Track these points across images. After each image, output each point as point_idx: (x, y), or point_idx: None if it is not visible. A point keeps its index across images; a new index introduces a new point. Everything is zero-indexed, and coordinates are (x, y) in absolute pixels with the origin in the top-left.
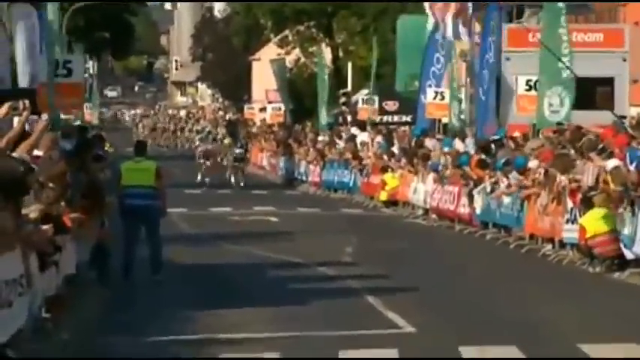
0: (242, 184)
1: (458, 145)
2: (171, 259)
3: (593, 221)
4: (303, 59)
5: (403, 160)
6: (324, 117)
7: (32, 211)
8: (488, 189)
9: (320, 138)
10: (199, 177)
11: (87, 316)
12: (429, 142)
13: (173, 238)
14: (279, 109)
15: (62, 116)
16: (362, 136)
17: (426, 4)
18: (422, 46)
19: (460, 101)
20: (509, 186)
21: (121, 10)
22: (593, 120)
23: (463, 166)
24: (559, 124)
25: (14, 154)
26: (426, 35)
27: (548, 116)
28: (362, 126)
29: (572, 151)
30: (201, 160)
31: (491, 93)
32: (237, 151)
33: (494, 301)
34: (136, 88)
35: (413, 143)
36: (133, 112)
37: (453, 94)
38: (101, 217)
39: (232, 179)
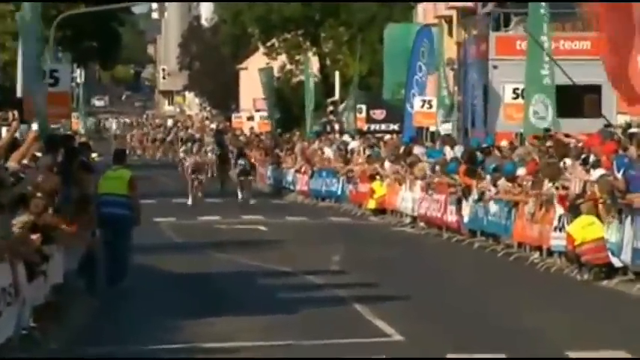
0: (251, 201)
1: (447, 152)
2: (159, 267)
3: (581, 229)
4: (288, 66)
5: (392, 167)
6: (310, 125)
7: (20, 221)
8: (476, 197)
9: (314, 146)
10: (190, 199)
11: (75, 325)
12: (417, 150)
13: (161, 247)
14: (267, 117)
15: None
16: (353, 144)
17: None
18: (408, 54)
19: (449, 108)
20: (497, 193)
21: (108, 19)
22: (580, 128)
23: (451, 173)
24: (546, 130)
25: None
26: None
27: (535, 123)
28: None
29: (563, 162)
30: (192, 176)
31: (477, 100)
32: (241, 162)
33: (483, 309)
34: (124, 97)
35: (401, 150)
36: (122, 120)
37: (441, 101)
38: (91, 227)
39: (239, 195)
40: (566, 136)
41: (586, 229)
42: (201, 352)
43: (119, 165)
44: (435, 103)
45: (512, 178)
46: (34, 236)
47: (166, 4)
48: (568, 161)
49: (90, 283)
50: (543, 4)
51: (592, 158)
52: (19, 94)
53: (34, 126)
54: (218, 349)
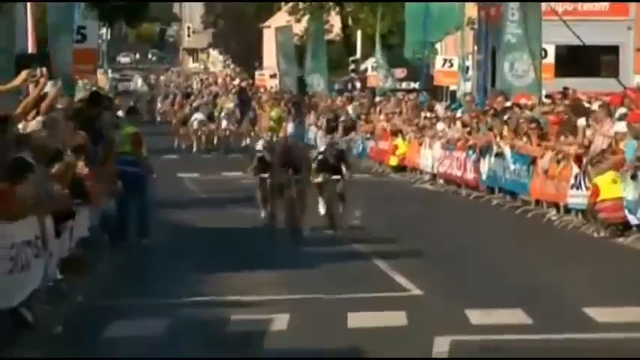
0: (305, 232)
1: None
2: (182, 222)
3: (607, 184)
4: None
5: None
6: (317, 83)
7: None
8: (495, 152)
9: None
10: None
11: (100, 278)
12: (439, 107)
13: (185, 203)
14: (282, 75)
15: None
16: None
17: None
18: (430, 13)
19: (467, 68)
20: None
21: None
22: (597, 87)
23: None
24: (564, 88)
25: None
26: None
27: (511, 80)
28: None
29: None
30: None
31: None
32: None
33: (501, 265)
34: (149, 55)
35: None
36: (151, 77)
37: (461, 61)
38: (113, 184)
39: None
40: (578, 99)
41: (611, 185)
42: (223, 305)
43: (128, 122)
44: (456, 62)
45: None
46: (67, 194)
47: None
48: (581, 122)
49: (113, 237)
50: None
51: (619, 111)
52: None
53: (58, 82)
54: (240, 302)
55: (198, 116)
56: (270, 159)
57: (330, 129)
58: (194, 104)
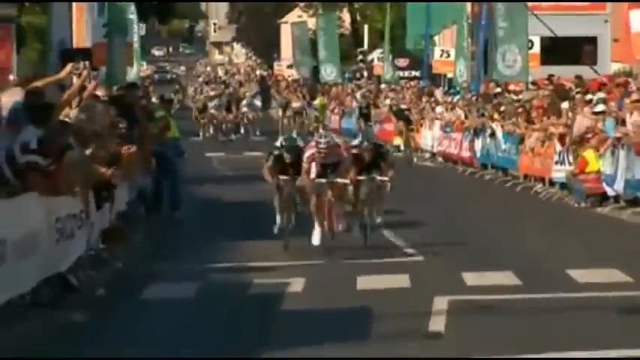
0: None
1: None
2: (210, 197)
3: (593, 158)
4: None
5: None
6: (330, 72)
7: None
8: (488, 133)
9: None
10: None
11: (138, 247)
12: (437, 92)
13: (212, 179)
14: (297, 66)
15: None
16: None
17: None
18: (429, 10)
19: (465, 59)
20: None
21: None
22: (572, 74)
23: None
24: (550, 75)
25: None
26: None
27: (502, 70)
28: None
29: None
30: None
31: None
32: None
33: (493, 233)
34: (181, 49)
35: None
36: (181, 68)
37: (459, 52)
38: (149, 162)
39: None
40: (578, 78)
41: (596, 160)
42: (247, 270)
43: (160, 108)
44: (452, 52)
45: (524, 112)
46: (107, 170)
47: None
48: (565, 104)
49: (148, 211)
50: None
51: (597, 96)
52: (88, 44)
53: (98, 74)
54: (261, 267)
55: (214, 103)
56: (290, 160)
57: (363, 117)
58: (211, 93)
